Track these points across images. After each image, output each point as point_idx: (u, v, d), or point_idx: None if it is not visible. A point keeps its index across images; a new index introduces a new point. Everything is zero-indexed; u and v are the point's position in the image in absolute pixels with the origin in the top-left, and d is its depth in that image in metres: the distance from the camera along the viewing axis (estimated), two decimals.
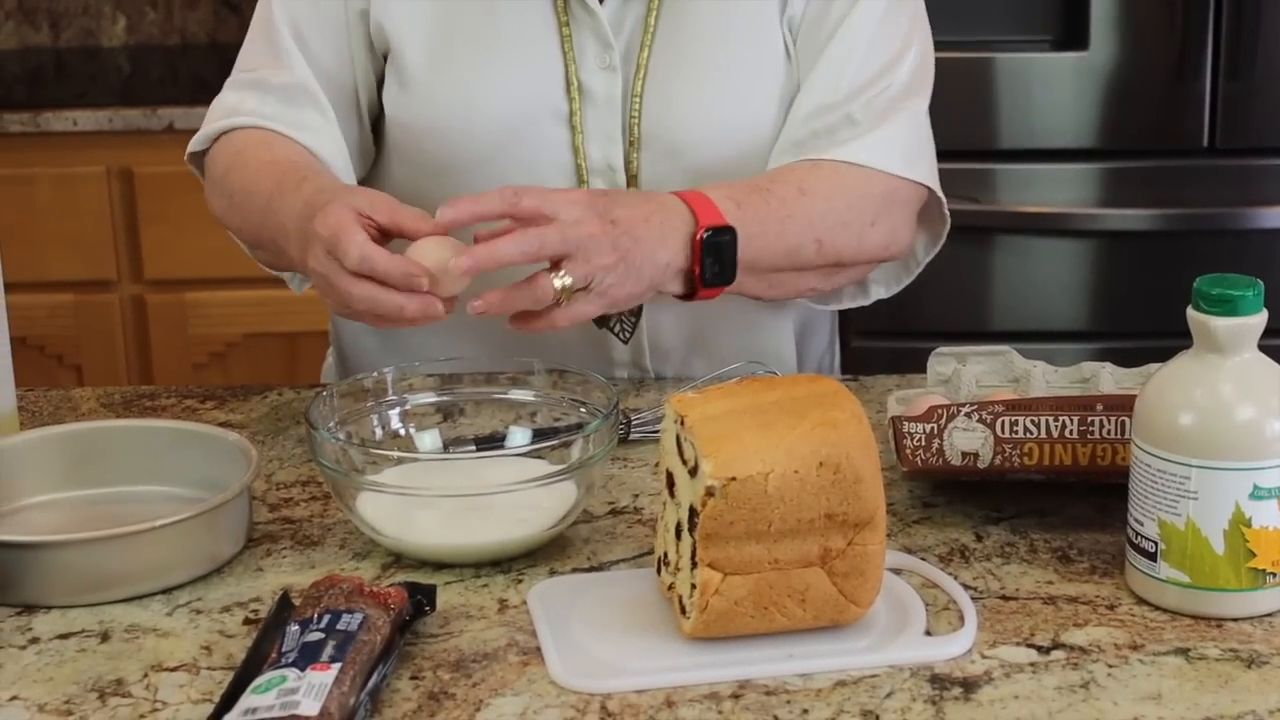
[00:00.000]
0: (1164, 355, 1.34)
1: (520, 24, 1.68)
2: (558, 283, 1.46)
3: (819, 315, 1.90)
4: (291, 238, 1.54)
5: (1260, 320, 1.27)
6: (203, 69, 3.48)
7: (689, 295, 1.58)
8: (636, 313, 1.71)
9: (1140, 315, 2.94)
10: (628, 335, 1.73)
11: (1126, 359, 1.62)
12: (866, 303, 1.82)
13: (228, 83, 1.76)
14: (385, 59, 1.72)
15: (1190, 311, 1.27)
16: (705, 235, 1.53)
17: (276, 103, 1.70)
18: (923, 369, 1.67)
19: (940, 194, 1.74)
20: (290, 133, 1.68)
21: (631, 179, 1.70)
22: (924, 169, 1.72)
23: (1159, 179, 2.94)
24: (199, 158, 1.77)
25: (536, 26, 1.68)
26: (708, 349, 1.79)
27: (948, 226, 1.77)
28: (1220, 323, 1.26)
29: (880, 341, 2.89)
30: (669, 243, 1.53)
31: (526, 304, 1.47)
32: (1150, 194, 2.94)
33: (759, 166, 1.71)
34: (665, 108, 1.69)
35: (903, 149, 1.70)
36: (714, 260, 1.54)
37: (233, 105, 1.73)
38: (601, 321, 1.71)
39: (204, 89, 1.81)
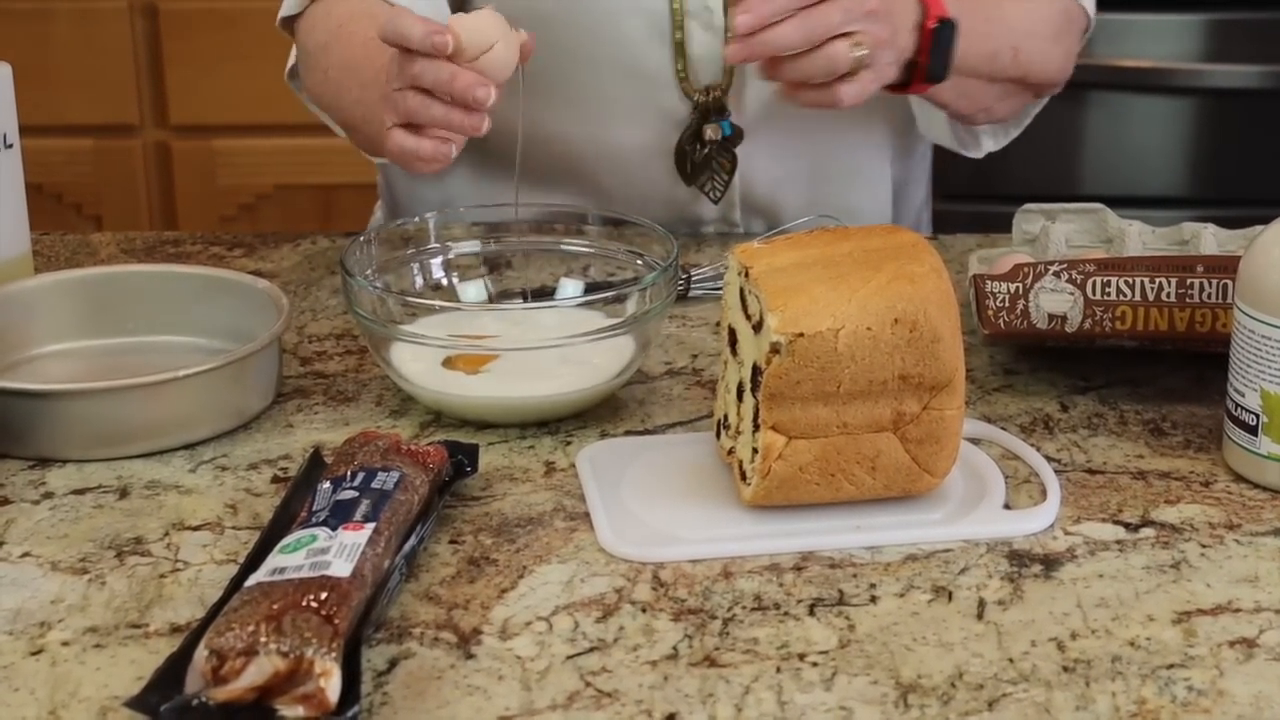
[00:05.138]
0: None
1: None
2: (855, 53, 1.43)
3: (917, 169, 1.90)
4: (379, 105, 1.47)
5: None
6: None
7: (902, 87, 1.56)
8: (730, 170, 1.71)
9: (1245, 180, 2.91)
10: (719, 195, 1.73)
11: (1230, 227, 1.60)
12: (978, 155, 1.82)
13: None
14: None
15: None
16: (936, 25, 1.52)
17: None
18: (1008, 232, 1.65)
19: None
20: None
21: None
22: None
23: (1269, 32, 2.90)
24: (291, 24, 1.71)
25: None
26: (799, 203, 1.79)
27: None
28: None
29: (963, 205, 2.86)
30: (905, 28, 1.51)
31: (816, 72, 1.44)
32: (1259, 49, 2.90)
33: None
34: None
35: None
36: (939, 52, 1.53)
37: None
38: (692, 179, 1.71)
39: None
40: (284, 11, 1.70)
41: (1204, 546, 1.22)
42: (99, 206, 3.25)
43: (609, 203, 1.71)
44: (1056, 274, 1.41)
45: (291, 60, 1.74)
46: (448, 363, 1.38)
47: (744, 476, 1.25)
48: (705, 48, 1.70)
